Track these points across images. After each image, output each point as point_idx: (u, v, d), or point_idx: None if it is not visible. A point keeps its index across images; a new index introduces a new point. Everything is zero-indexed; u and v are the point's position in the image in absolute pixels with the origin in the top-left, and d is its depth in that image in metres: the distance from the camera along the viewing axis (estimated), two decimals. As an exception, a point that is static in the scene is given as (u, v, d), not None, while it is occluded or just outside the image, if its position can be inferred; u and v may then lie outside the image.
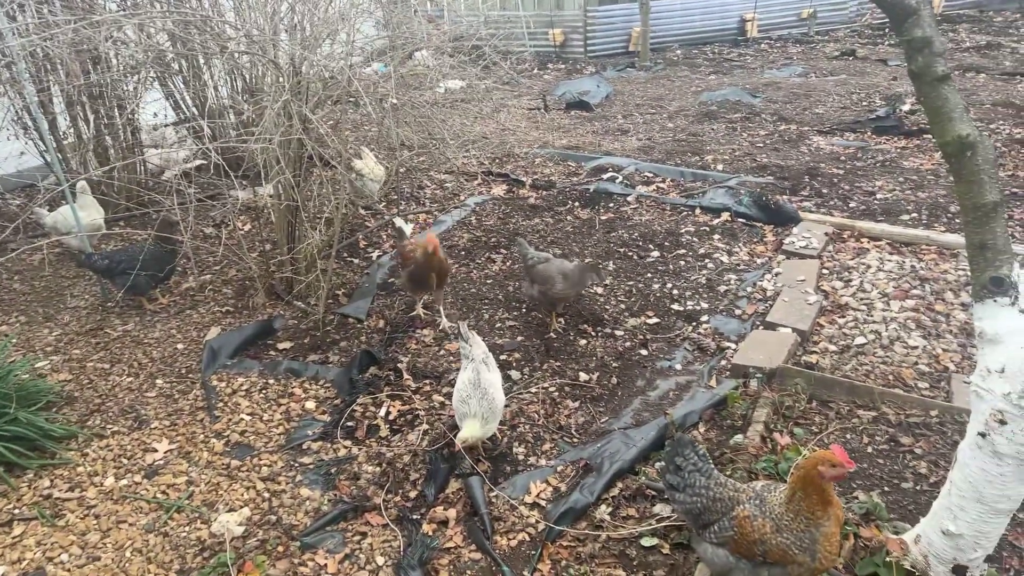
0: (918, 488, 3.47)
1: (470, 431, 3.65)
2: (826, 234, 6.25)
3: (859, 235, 6.30)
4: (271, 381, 4.65)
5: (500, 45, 10.65)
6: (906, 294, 5.29)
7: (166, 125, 8.07)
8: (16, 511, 3.59)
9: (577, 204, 7.37)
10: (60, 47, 4.84)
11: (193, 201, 4.46)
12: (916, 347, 4.68)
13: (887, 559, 2.85)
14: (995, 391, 2.42)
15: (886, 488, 3.47)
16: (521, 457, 3.97)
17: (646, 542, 3.33)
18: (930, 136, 8.91)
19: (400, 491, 3.76)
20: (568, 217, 7.10)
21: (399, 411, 4.34)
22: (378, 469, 3.90)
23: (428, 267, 4.94)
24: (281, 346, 5.05)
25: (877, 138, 9.11)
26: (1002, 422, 2.41)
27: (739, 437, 3.79)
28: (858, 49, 15.54)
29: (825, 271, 5.72)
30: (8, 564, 3.29)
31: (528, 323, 5.20)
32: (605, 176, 8.03)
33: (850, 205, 7.02)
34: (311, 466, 3.93)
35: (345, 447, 4.07)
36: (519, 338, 5.03)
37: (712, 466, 2.88)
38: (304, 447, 4.07)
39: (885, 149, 8.68)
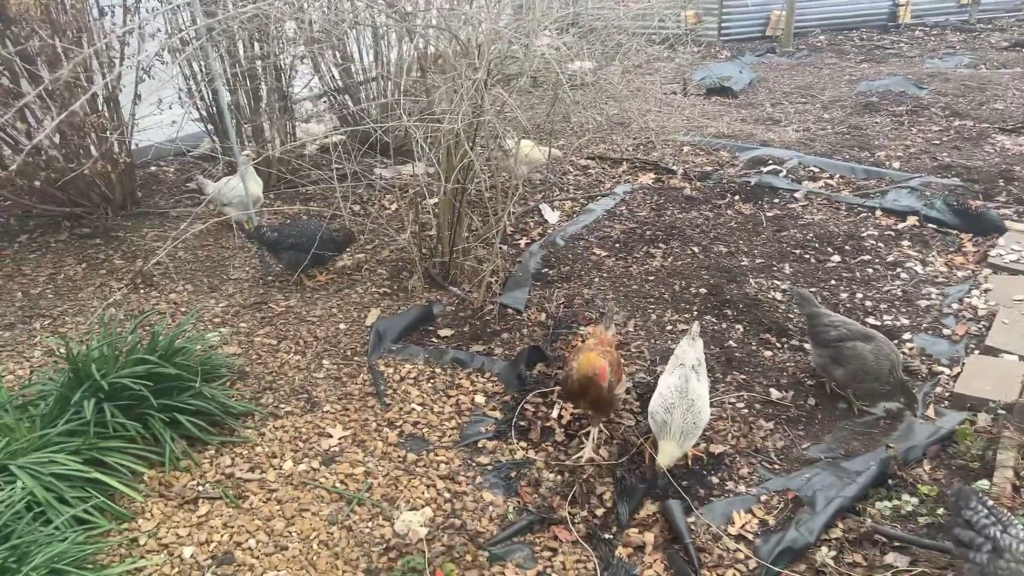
0: None
1: (670, 456, 3.32)
2: (1039, 247, 5.52)
3: (1079, 250, 5.52)
4: (437, 370, 4.46)
5: (630, 26, 10.16)
6: None
7: (318, 97, 8.07)
8: (200, 488, 3.53)
9: (737, 198, 6.85)
10: (239, 24, 4.77)
11: (339, 181, 4.29)
12: None
13: None
14: None
15: None
16: (716, 481, 3.60)
17: (880, 597, 2.91)
18: None
19: (587, 505, 3.48)
20: (728, 212, 6.60)
21: (572, 414, 4.05)
22: (559, 478, 3.63)
23: (582, 393, 3.52)
24: (442, 333, 4.86)
25: (1073, 139, 8.09)
26: None
27: (984, 483, 3.28)
28: (1032, 39, 14.04)
29: (1044, 290, 5.02)
30: (196, 545, 3.22)
31: (704, 330, 4.78)
32: (765, 169, 7.46)
33: (1060, 214, 6.19)
34: (489, 467, 3.70)
35: (522, 449, 3.82)
36: (696, 344, 4.63)
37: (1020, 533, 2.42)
38: (479, 445, 3.85)
39: (1086, 152, 7.68)
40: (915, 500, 3.36)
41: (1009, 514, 2.48)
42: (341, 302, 5.24)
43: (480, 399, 4.21)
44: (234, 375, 4.34)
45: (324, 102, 8.42)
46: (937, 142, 8.18)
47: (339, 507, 3.44)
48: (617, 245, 6.09)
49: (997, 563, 2.36)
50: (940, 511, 3.26)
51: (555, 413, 4.06)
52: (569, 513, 3.41)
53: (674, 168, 7.65)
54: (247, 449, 3.80)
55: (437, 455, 3.77)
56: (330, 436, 3.88)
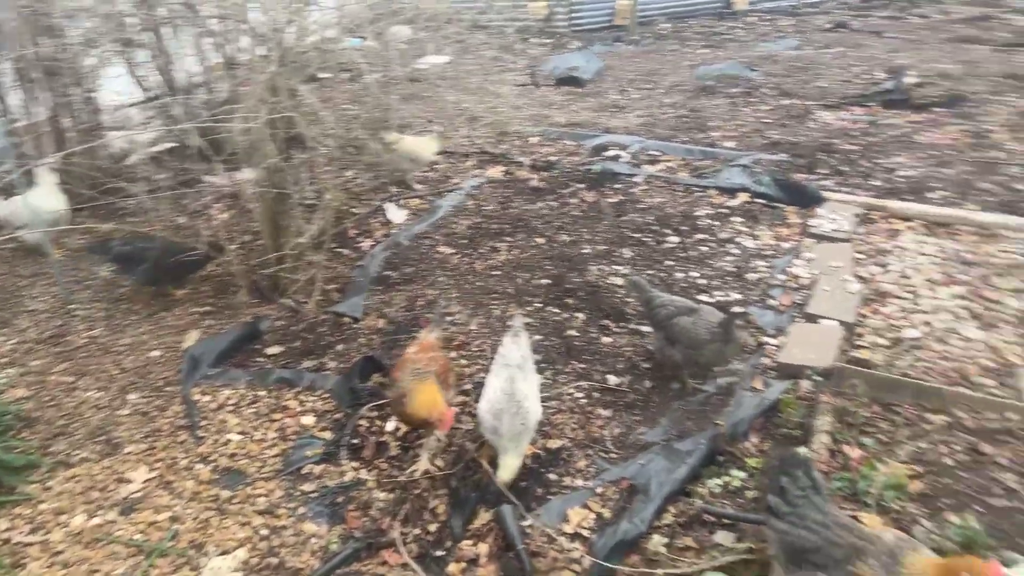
0: (1012, 505, 3.07)
1: (510, 470, 3.19)
2: (854, 215, 5.83)
3: (890, 215, 5.89)
4: (262, 393, 4.11)
5: (478, 19, 10.08)
6: (952, 280, 4.89)
7: (131, 105, 7.38)
8: (-34, 562, 3.03)
9: (581, 186, 6.86)
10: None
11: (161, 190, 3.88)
12: (974, 339, 4.29)
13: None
14: None
15: (976, 507, 3.06)
16: (554, 477, 3.49)
17: (711, 578, 2.89)
18: (942, 110, 8.57)
19: (419, 522, 3.27)
20: (573, 200, 6.59)
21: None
22: (392, 496, 3.40)
23: (421, 425, 3.43)
24: (270, 351, 4.51)
25: (885, 112, 8.73)
26: None
27: (803, 450, 3.35)
28: (850, 21, 15.18)
29: (859, 256, 5.30)
30: (-43, 630, 2.75)
31: (544, 320, 4.71)
32: (608, 155, 7.53)
33: (873, 183, 6.61)
34: (314, 495, 3.42)
35: (353, 469, 3.56)
36: (536, 336, 4.53)
37: (828, 499, 2.41)
38: (304, 471, 3.55)
39: (896, 124, 8.30)
40: (743, 474, 3.40)
41: (826, 496, 2.49)
42: (155, 327, 4.76)
43: (308, 420, 3.90)
44: (19, 423, 3.81)
45: (148, 108, 7.73)
46: (768, 120, 8.58)
47: (137, 562, 3.04)
48: (463, 241, 5.92)
49: (797, 531, 2.36)
50: (767, 482, 3.30)
51: (390, 426, 3.83)
52: (401, 533, 3.20)
53: (521, 159, 7.58)
54: (29, 508, 3.32)
55: (256, 488, 3.44)
56: (131, 481, 3.46)
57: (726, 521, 3.15)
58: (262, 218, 4.88)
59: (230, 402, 4.03)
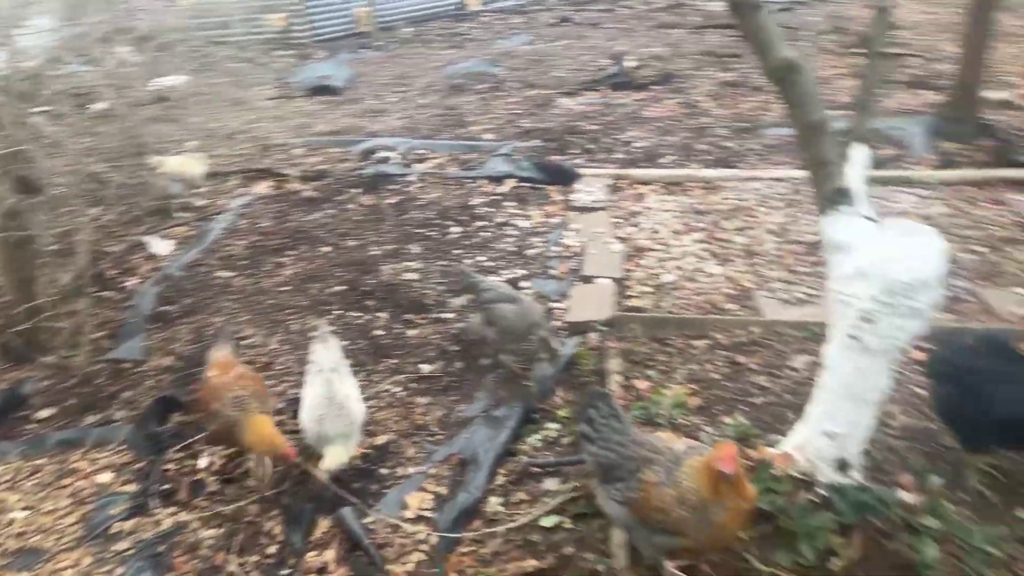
0: (767, 401, 3.72)
1: (335, 459, 3.18)
2: (606, 185, 6.53)
3: (633, 182, 6.67)
4: (41, 461, 3.66)
5: (215, 36, 9.60)
6: (691, 228, 5.70)
7: None
8: None
9: (357, 190, 6.88)
10: None
11: None
12: (715, 273, 5.06)
13: (773, 473, 2.98)
14: (859, 294, 2.60)
15: (743, 407, 3.68)
16: (386, 471, 3.56)
17: (547, 522, 3.15)
18: (659, 88, 9.81)
19: (256, 548, 3.17)
20: (351, 205, 6.60)
21: (227, 456, 3.66)
22: (221, 531, 3.24)
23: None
24: (41, 415, 4.02)
25: (615, 94, 9.78)
26: (870, 321, 2.59)
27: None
28: (572, 16, 16.65)
29: (616, 220, 5.96)
30: None
31: (347, 325, 4.71)
32: (378, 158, 7.62)
33: (616, 156, 7.43)
34: (131, 552, 3.15)
35: (170, 515, 3.32)
36: (343, 342, 4.52)
37: (628, 423, 2.76)
38: (113, 531, 3.25)
39: (625, 103, 9.35)
40: (557, 425, 3.73)
41: (626, 421, 2.84)
42: None
43: (105, 477, 3.56)
44: None
45: None
46: (517, 111, 9.22)
47: None
48: (243, 262, 5.68)
49: (604, 452, 2.70)
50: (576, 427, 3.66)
51: (203, 463, 3.62)
52: (239, 564, 3.07)
53: (289, 172, 7.39)
54: None
55: (59, 563, 3.09)
56: None
57: (550, 469, 3.45)
58: (3, 270, 4.29)
59: (3, 479, 3.53)
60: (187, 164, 6.53)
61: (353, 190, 6.89)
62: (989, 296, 4.53)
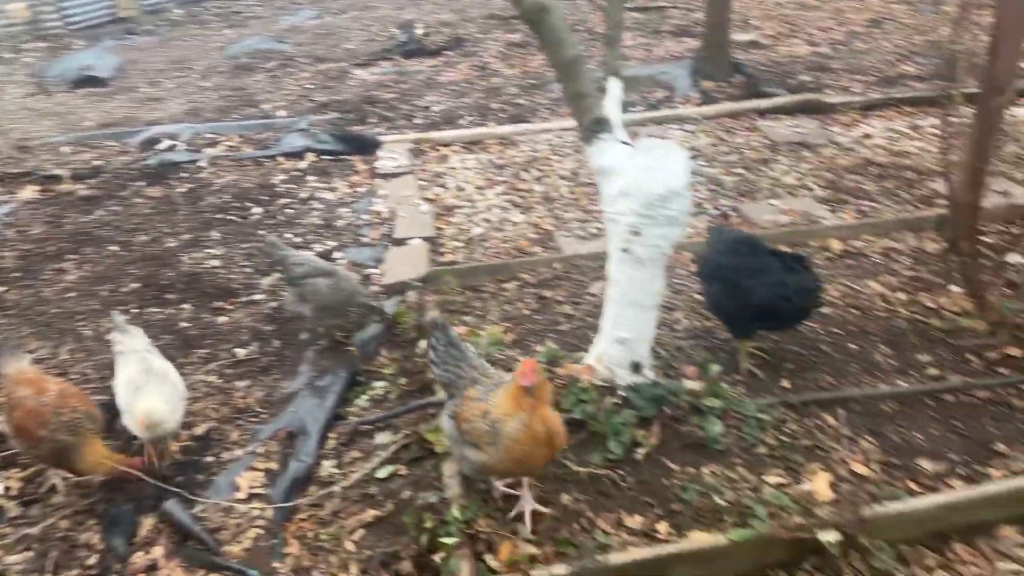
0: (573, 326, 4.05)
1: (150, 407, 3.01)
2: (408, 150, 6.60)
3: (435, 144, 6.80)
4: None
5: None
6: (494, 183, 5.95)
7: None
8: None
9: (143, 183, 6.39)
10: None
11: None
12: (519, 221, 5.34)
13: (581, 385, 3.28)
14: (624, 211, 2.91)
15: (552, 335, 3.97)
16: (211, 459, 3.46)
17: (382, 473, 3.24)
18: (450, 53, 9.98)
19: (74, 563, 2.97)
20: (138, 200, 6.13)
21: (24, 478, 3.36)
22: (30, 553, 3.00)
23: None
24: None
25: (408, 61, 9.81)
26: (637, 234, 2.91)
27: (423, 343, 3.88)
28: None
29: (422, 182, 6.07)
30: None
31: (149, 322, 4.43)
32: (162, 147, 7.10)
33: (415, 122, 7.50)
34: (-78, 597, 2.83)
35: (-35, 552, 3.01)
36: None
37: (466, 350, 2.90)
38: None
39: (420, 70, 9.41)
40: (383, 383, 3.80)
41: (464, 348, 2.94)
42: None
43: None
44: None
45: None
46: (310, 86, 8.96)
47: None
48: (16, 274, 5.11)
49: (444, 373, 2.87)
50: (402, 381, 3.76)
51: (0, 489, 3.30)
52: (58, 583, 2.87)
53: (58, 172, 6.68)
54: None
55: None
56: None
57: (380, 424, 3.53)
58: None
59: None
60: None
61: (137, 183, 6.39)
62: (749, 210, 5.20)
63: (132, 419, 3.14)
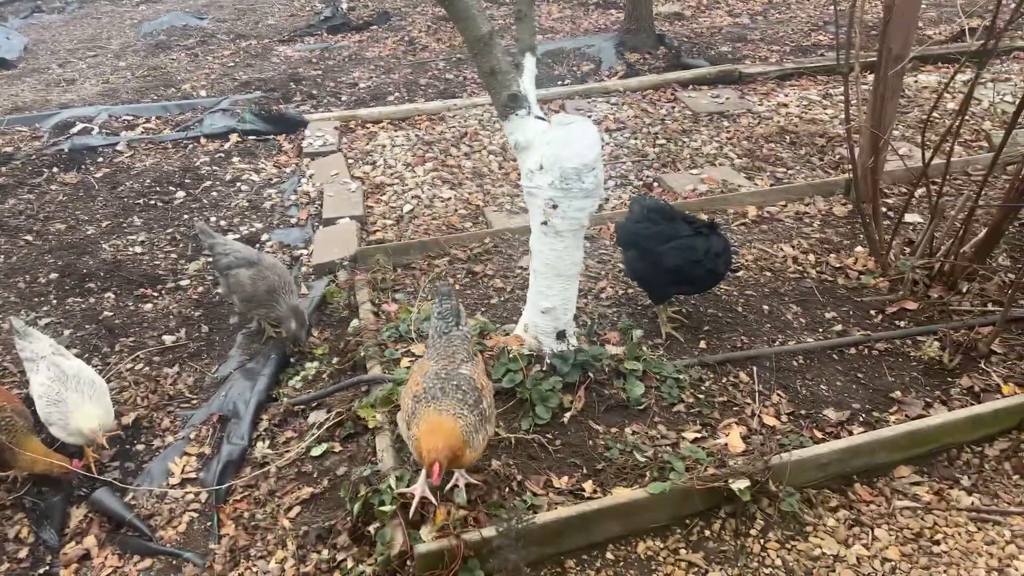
0: (503, 299, 4.13)
1: (90, 419, 3.00)
2: (335, 128, 6.52)
3: (363, 122, 6.73)
4: None
5: None
6: (423, 159, 5.95)
7: None
8: None
9: (56, 169, 6.15)
10: None
11: None
12: (449, 198, 5.38)
13: (511, 355, 3.38)
14: (542, 185, 2.99)
15: (483, 308, 4.05)
16: (142, 447, 3.44)
17: (317, 451, 3.29)
18: (377, 27, 9.81)
19: (4, 556, 2.94)
20: (53, 187, 5.91)
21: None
22: (-45, 553, 2.95)
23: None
24: None
25: (333, 37, 9.61)
26: (555, 207, 3.01)
27: (356, 322, 3.92)
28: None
29: (351, 161, 6.02)
30: None
31: (69, 313, 4.33)
32: (75, 131, 6.82)
33: (342, 99, 7.41)
34: None
35: None
36: (67, 332, 4.17)
37: (455, 322, 2.91)
38: None
39: (345, 45, 9.24)
40: (315, 363, 3.83)
41: (454, 320, 2.93)
42: None
43: None
44: None
45: None
46: (232, 64, 8.71)
47: None
48: (-78, 269, 4.89)
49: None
50: (334, 361, 3.80)
51: (-86, 490, 3.21)
52: (-15, 580, 2.84)
53: (-37, 161, 6.36)
54: None
55: None
56: None
57: (313, 404, 3.56)
58: None
59: None
60: None
61: (52, 169, 6.15)
62: (671, 180, 5.36)
63: (65, 432, 3.10)
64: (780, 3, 9.90)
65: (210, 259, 4.26)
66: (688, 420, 3.21)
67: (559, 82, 7.41)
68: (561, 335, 3.34)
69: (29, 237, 5.17)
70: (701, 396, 3.32)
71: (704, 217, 4.22)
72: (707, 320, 3.83)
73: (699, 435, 3.13)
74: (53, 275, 4.69)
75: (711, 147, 5.88)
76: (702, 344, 3.66)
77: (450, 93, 7.38)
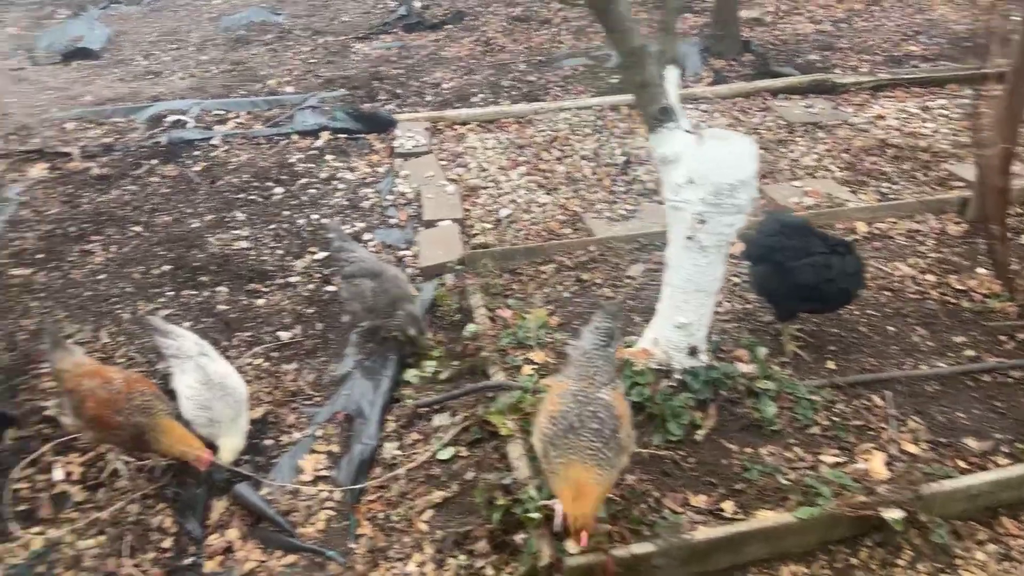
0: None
1: (233, 445, 3.09)
2: (426, 129, 6.56)
3: (451, 123, 6.77)
4: None
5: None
6: (516, 163, 5.96)
7: None
8: None
9: (156, 161, 6.30)
10: None
11: None
12: (546, 203, 5.38)
13: (636, 368, 3.37)
14: (691, 199, 2.97)
15: (596, 318, 4.04)
16: (270, 442, 3.51)
17: (444, 455, 3.32)
18: (451, 27, 9.86)
19: (148, 546, 3.02)
20: (153, 179, 6.05)
21: (84, 463, 3.38)
22: (103, 538, 3.03)
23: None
24: None
25: (409, 35, 9.67)
26: (703, 222, 2.98)
27: (471, 326, 3.94)
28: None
29: (443, 162, 6.06)
30: None
31: (186, 306, 4.43)
32: (169, 124, 6.98)
33: (426, 99, 7.45)
34: (1, 584, 2.86)
35: (36, 535, 3.04)
36: (185, 324, 4.26)
37: (606, 344, 2.83)
38: (-27, 567, 2.92)
39: (422, 44, 9.30)
40: (432, 363, 3.85)
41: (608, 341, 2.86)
42: None
43: (-56, 512, 3.15)
44: None
45: None
46: (313, 60, 8.83)
47: None
48: (40, 255, 5.05)
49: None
50: (453, 363, 3.82)
51: (59, 475, 3.32)
52: (135, 566, 2.92)
53: (68, 150, 6.55)
54: None
55: (-86, 614, 2.74)
56: None
57: (436, 407, 3.59)
58: None
59: None
60: None
61: (151, 161, 6.30)
62: (772, 191, 5.29)
63: (206, 434, 3.19)
64: (863, 10, 9.70)
65: (334, 263, 4.30)
66: (824, 443, 3.17)
67: (643, 87, 7.35)
68: (693, 351, 3.32)
69: (138, 228, 5.30)
70: (835, 419, 3.27)
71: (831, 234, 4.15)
72: (832, 340, 3.77)
73: (837, 459, 3.09)
74: (166, 267, 4.81)
75: (810, 158, 5.79)
76: (829, 365, 3.61)
77: (533, 96, 7.38)
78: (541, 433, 2.66)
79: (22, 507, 3.17)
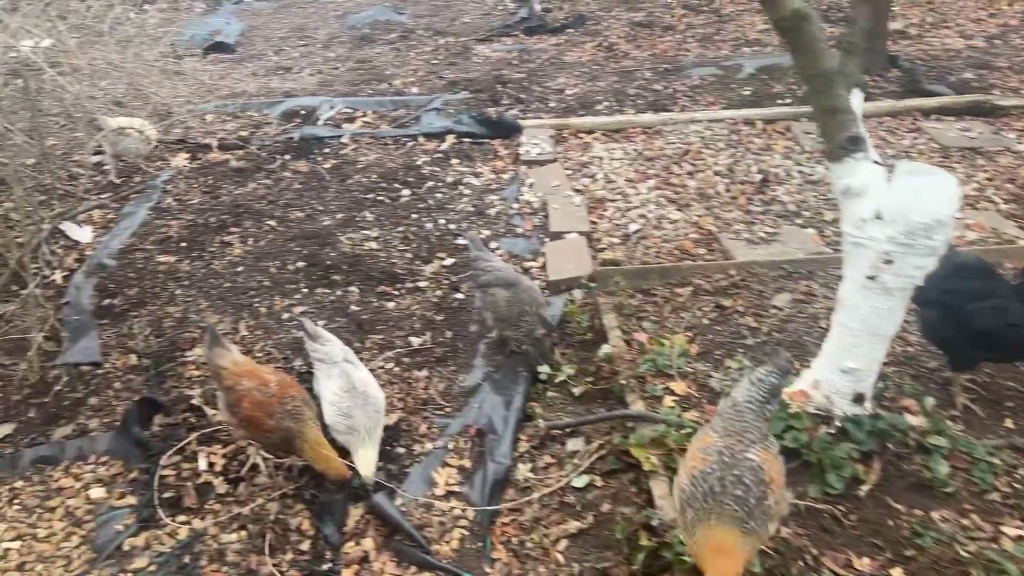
0: (759, 341, 3.89)
1: (370, 463, 3.10)
2: (551, 136, 6.48)
3: (576, 131, 6.65)
4: (20, 484, 3.33)
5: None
6: (645, 176, 5.78)
7: None
8: None
9: (288, 157, 6.48)
10: None
11: None
12: (678, 219, 5.18)
13: (792, 411, 3.15)
14: (877, 237, 2.73)
15: (739, 349, 3.84)
16: (402, 450, 3.49)
17: (579, 483, 3.21)
18: (573, 31, 9.74)
19: (288, 547, 3.05)
20: (287, 174, 6.22)
21: (226, 455, 3.47)
22: (244, 533, 3.09)
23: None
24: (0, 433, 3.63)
25: (530, 38, 9.59)
26: (889, 262, 2.74)
27: (606, 348, 3.81)
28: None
29: (568, 171, 5.95)
30: None
31: (320, 304, 4.51)
32: (301, 119, 7.19)
33: (550, 105, 7.36)
34: (152, 568, 2.95)
35: (183, 524, 3.13)
36: (320, 322, 4.33)
37: (766, 401, 2.56)
38: (125, 548, 3.03)
39: (543, 48, 9.21)
40: (563, 381, 3.76)
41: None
42: None
43: (98, 492, 3.30)
44: None
45: None
46: (435, 61, 8.90)
47: None
48: (183, 244, 5.27)
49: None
50: (587, 380, 3.71)
51: (203, 464, 3.42)
52: (274, 566, 2.95)
53: (207, 141, 6.85)
54: None
55: (74, 590, 2.86)
56: None
57: (569, 430, 3.49)
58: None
59: (-20, 510, 3.20)
60: (135, 123, 6.13)
61: (284, 156, 6.49)
62: (928, 222, 4.89)
63: (344, 441, 3.21)
64: (1019, 26, 8.94)
65: (469, 271, 4.27)
66: (1006, 512, 2.86)
67: (777, 101, 7.01)
68: (859, 398, 3.07)
69: (272, 223, 5.45)
70: (1018, 485, 2.95)
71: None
72: (1008, 394, 3.43)
73: (1021, 533, 2.78)
74: (300, 263, 4.91)
75: (970, 187, 5.34)
76: (1008, 423, 3.27)
77: (660, 106, 7.16)
78: (679, 489, 2.48)
79: (168, 494, 3.27)
